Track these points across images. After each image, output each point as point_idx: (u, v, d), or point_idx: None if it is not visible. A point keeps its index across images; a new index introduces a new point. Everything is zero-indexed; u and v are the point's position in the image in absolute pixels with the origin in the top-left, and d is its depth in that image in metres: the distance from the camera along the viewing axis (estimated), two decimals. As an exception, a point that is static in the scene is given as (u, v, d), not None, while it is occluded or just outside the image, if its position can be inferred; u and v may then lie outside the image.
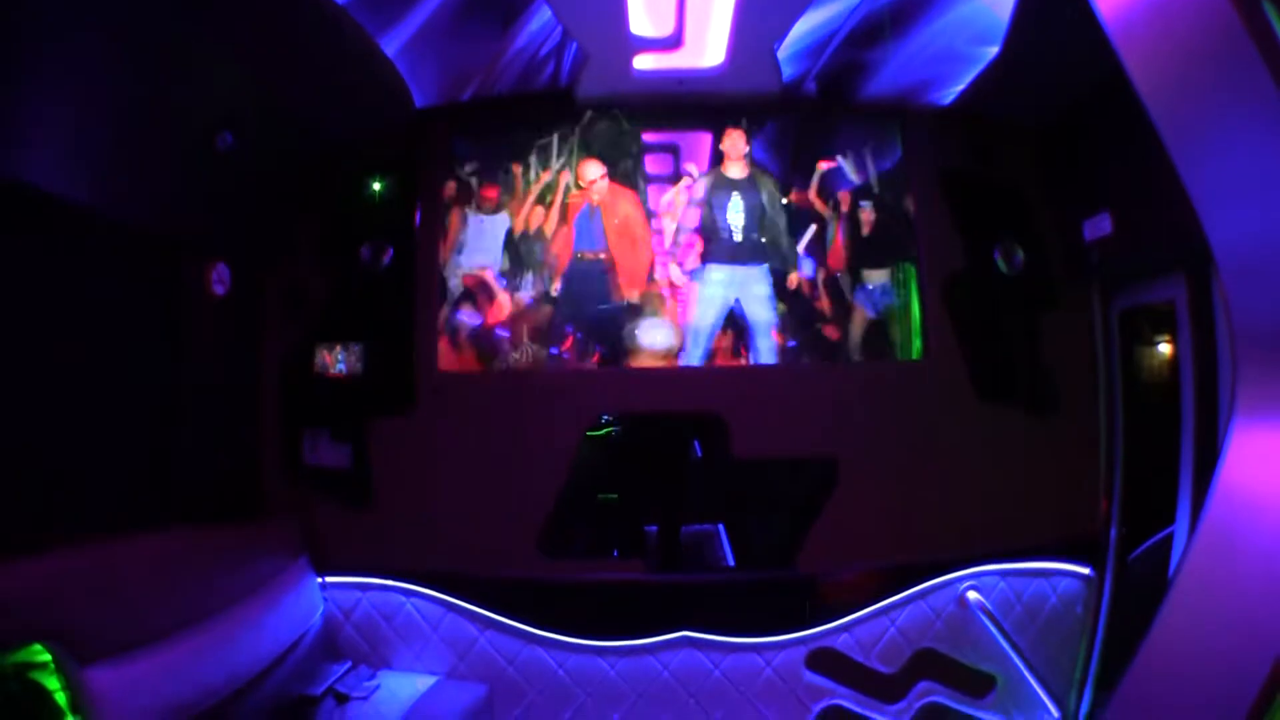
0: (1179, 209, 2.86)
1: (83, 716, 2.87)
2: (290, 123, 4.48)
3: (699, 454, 5.14)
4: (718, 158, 5.21)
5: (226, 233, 4.44)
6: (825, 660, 4.82)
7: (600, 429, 5.02)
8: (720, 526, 5.16)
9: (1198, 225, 2.62)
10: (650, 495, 5.12)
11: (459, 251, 5.12)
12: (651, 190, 5.21)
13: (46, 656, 2.84)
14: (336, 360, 4.86)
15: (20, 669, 2.81)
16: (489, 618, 4.78)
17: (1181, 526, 4.30)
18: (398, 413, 4.85)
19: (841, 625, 4.83)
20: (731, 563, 5.14)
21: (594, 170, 5.16)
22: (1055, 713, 4.87)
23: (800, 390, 4.93)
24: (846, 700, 4.87)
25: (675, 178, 5.24)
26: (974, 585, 4.87)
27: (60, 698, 2.87)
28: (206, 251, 4.36)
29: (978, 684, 4.96)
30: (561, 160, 5.11)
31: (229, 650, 3.66)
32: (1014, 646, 4.75)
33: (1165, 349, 4.62)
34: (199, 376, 4.43)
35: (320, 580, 4.78)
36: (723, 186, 5.18)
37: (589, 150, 5.14)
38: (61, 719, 2.87)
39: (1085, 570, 5.01)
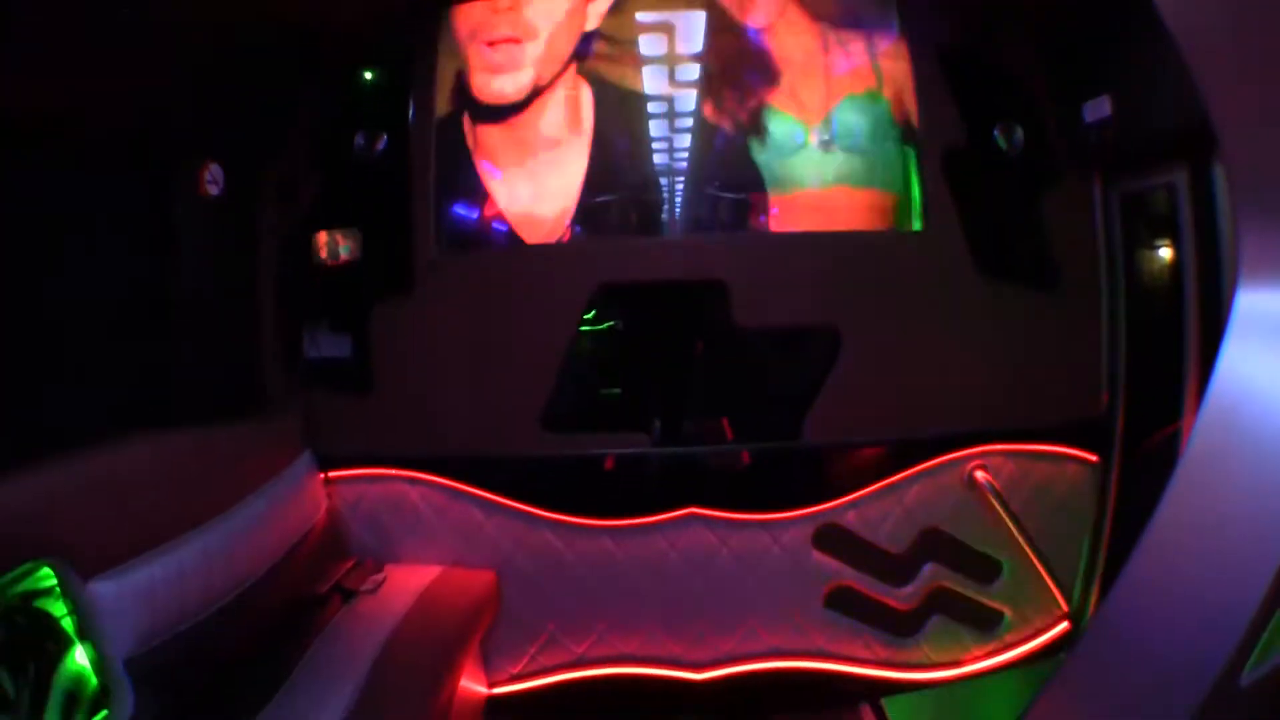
0: (1181, 91, 2.81)
1: (92, 640, 2.82)
2: (278, 11, 4.41)
3: (702, 324, 5.10)
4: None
5: (217, 132, 4.38)
6: (833, 539, 4.80)
7: (600, 323, 4.98)
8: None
9: (1199, 103, 2.54)
10: (655, 367, 5.09)
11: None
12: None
13: (51, 581, 2.77)
14: (333, 249, 4.81)
15: (25, 599, 2.74)
16: (495, 503, 4.75)
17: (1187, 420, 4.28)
18: (396, 297, 4.79)
19: (849, 503, 4.80)
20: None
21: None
22: (1062, 604, 4.86)
23: (799, 258, 4.87)
24: (855, 580, 4.85)
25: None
26: (982, 465, 4.83)
27: (67, 623, 2.81)
28: (198, 152, 4.30)
29: (985, 569, 4.94)
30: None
31: (233, 552, 3.62)
32: (1022, 531, 4.72)
33: (1166, 247, 4.62)
34: (196, 277, 4.38)
35: (324, 476, 4.73)
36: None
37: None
38: (70, 647, 2.80)
39: (1093, 458, 4.99)
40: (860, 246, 4.94)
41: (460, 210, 4.94)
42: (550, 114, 4.94)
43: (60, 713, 2.68)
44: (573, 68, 4.92)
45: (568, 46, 4.88)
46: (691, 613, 4.77)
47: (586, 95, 4.94)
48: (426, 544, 4.75)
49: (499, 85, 4.90)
